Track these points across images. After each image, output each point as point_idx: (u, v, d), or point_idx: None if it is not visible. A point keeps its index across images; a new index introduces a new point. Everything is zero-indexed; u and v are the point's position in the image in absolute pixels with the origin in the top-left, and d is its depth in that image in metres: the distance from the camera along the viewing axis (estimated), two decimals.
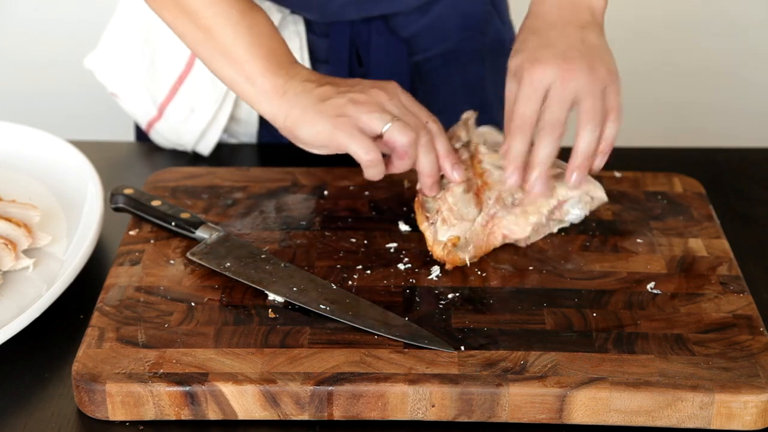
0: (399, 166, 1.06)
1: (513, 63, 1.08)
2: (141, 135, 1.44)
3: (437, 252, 1.07)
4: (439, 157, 1.07)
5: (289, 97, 1.06)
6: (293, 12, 1.30)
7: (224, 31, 1.06)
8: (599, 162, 1.07)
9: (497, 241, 1.08)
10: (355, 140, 1.03)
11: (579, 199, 1.11)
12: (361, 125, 1.03)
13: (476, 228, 1.07)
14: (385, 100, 1.05)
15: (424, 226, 1.08)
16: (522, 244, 1.10)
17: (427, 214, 1.08)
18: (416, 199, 1.11)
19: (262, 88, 1.06)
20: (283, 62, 1.07)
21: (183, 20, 1.08)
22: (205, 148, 1.36)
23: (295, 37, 1.30)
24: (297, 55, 1.30)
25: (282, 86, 1.06)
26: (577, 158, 1.05)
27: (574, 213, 1.11)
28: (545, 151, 1.04)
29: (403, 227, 1.12)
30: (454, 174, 1.08)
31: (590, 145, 1.05)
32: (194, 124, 1.34)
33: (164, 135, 1.37)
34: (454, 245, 1.06)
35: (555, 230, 1.12)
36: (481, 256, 1.09)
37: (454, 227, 1.06)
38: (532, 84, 1.04)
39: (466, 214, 1.07)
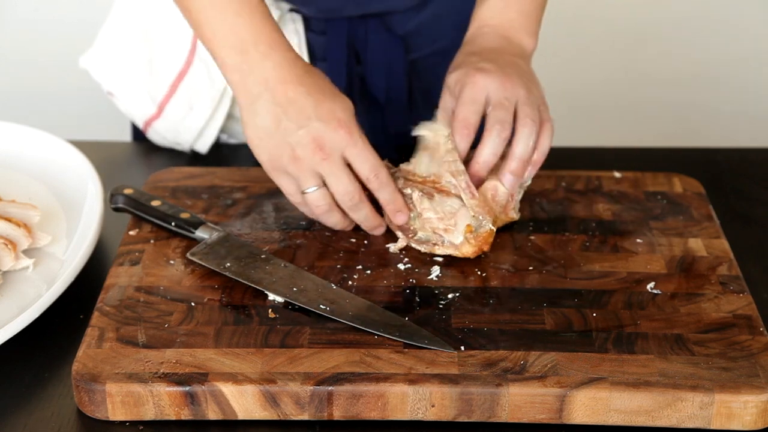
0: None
1: (452, 78, 1.13)
2: (138, 135, 1.44)
3: (468, 251, 1.07)
4: (382, 205, 1.09)
5: (248, 95, 1.05)
6: (292, 10, 1.30)
7: (200, 10, 1.05)
8: (530, 172, 1.10)
9: (496, 200, 1.09)
10: (283, 184, 1.08)
11: None
12: (291, 176, 1.07)
13: (470, 204, 1.07)
14: (322, 159, 1.04)
15: (438, 251, 1.09)
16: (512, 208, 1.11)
17: (434, 243, 1.09)
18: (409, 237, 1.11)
19: (226, 74, 1.07)
20: (249, 47, 1.05)
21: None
22: (203, 146, 1.36)
23: (294, 36, 1.30)
24: None
25: (242, 80, 1.05)
26: (513, 162, 1.08)
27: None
28: (490, 151, 1.08)
29: (392, 248, 1.12)
30: (397, 219, 1.09)
31: (527, 150, 1.08)
32: (193, 121, 1.34)
33: (162, 134, 1.37)
34: (472, 231, 1.06)
35: (519, 197, 1.13)
36: (501, 222, 1.10)
37: (456, 225, 1.07)
38: (475, 89, 1.09)
39: (451, 209, 1.07)
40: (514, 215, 1.12)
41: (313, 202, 1.08)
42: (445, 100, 1.13)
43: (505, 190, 1.09)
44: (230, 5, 1.04)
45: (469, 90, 1.09)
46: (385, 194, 1.08)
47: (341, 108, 1.05)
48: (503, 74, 1.09)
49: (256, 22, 1.04)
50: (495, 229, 1.08)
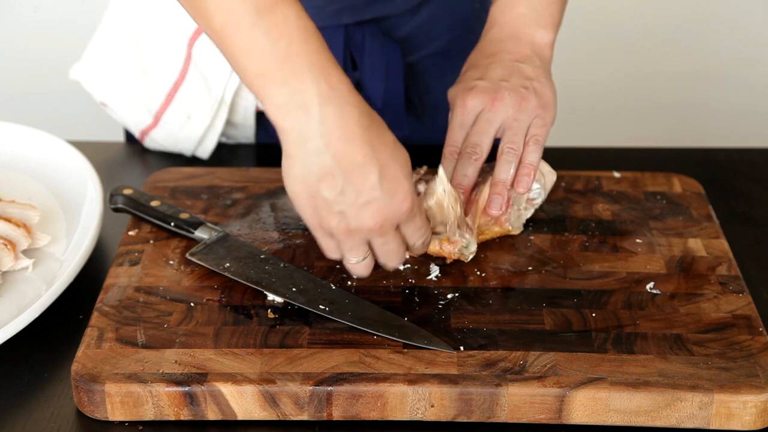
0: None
1: (451, 93, 1.13)
2: (131, 140, 1.43)
3: (434, 249, 1.07)
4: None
5: (300, 145, 0.91)
6: None
7: (241, 31, 0.90)
8: (525, 184, 1.09)
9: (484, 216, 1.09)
10: (324, 243, 0.97)
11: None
12: (337, 240, 0.96)
13: (456, 217, 1.06)
14: (378, 235, 0.95)
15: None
16: (506, 225, 1.11)
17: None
18: None
19: (274, 116, 0.91)
20: (305, 85, 0.89)
21: (197, 18, 0.93)
22: (204, 152, 1.36)
23: None
24: None
25: (296, 128, 0.90)
26: (496, 186, 1.09)
27: (535, 188, 1.12)
28: (461, 173, 1.09)
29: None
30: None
31: (506, 174, 1.08)
32: (191, 130, 1.34)
33: (160, 142, 1.37)
34: (449, 242, 1.06)
35: (528, 215, 1.13)
36: (496, 233, 1.10)
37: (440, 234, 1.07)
38: (464, 111, 1.10)
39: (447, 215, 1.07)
40: (510, 227, 1.11)
41: (356, 270, 0.99)
42: (450, 115, 1.13)
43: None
44: (281, 30, 0.89)
45: (459, 113, 1.10)
46: (421, 252, 1.04)
47: (403, 170, 0.93)
48: (494, 91, 1.09)
49: (314, 51, 0.90)
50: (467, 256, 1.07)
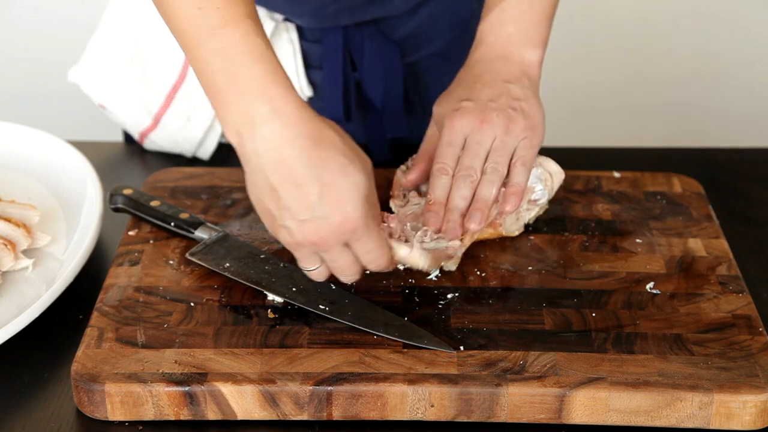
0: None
1: (437, 110, 1.13)
2: (130, 141, 1.43)
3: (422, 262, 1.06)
4: None
5: (247, 162, 0.95)
6: (286, 19, 1.30)
7: (196, 50, 0.94)
8: (513, 203, 1.07)
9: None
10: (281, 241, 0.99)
11: (539, 177, 1.12)
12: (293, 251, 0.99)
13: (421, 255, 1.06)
14: (321, 249, 0.96)
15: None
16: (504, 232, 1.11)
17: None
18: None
19: (226, 133, 0.95)
20: (248, 104, 0.93)
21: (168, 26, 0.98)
22: (205, 153, 1.36)
23: (288, 45, 1.30)
24: (291, 63, 1.30)
25: (241, 144, 0.94)
26: (477, 203, 1.07)
27: (538, 189, 1.12)
28: (458, 194, 1.07)
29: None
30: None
31: (487, 192, 1.07)
32: (191, 132, 1.34)
33: (160, 144, 1.37)
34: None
35: (530, 215, 1.13)
36: (493, 235, 1.10)
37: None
38: (452, 132, 1.09)
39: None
40: (503, 231, 1.11)
41: (311, 276, 1.01)
42: (432, 131, 1.13)
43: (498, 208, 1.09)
44: (228, 53, 0.92)
45: (447, 132, 1.09)
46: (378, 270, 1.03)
47: (351, 192, 0.93)
48: (482, 113, 1.08)
49: (258, 73, 0.92)
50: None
